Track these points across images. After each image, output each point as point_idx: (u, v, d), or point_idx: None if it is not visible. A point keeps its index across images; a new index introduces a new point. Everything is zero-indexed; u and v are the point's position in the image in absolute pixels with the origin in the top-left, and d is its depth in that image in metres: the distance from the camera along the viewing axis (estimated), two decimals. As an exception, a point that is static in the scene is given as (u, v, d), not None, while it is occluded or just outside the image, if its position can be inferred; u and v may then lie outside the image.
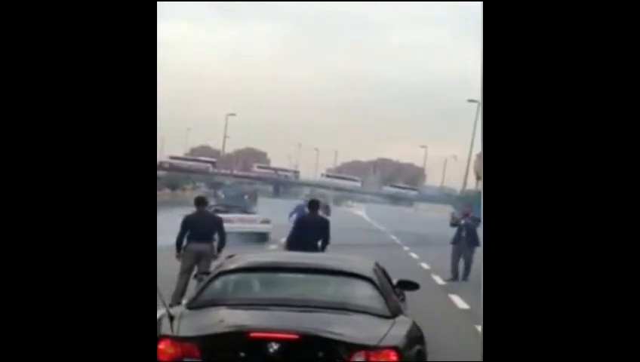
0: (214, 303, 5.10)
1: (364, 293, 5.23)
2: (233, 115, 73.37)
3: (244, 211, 24.24)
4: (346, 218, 36.70)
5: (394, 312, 5.11)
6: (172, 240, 9.70)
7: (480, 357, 3.23)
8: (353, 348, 4.43)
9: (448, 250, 15.06)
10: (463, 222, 14.58)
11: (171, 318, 4.76)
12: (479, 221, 14.46)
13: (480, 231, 14.26)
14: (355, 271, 5.55)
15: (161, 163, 58.04)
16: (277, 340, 4.41)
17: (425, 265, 16.26)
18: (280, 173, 77.60)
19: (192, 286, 5.77)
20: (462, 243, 14.42)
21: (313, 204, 11.10)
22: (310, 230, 10.52)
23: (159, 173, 61.48)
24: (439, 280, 14.22)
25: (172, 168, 63.38)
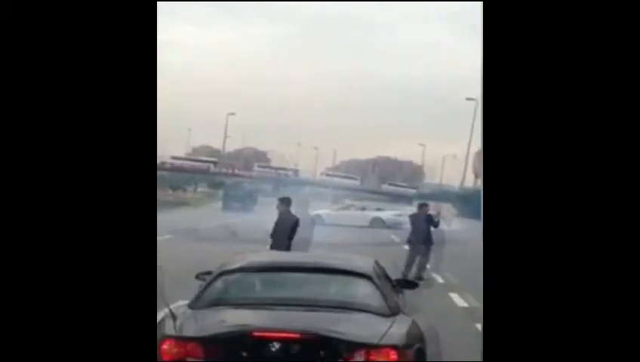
0: (217, 303, 5.12)
1: (364, 292, 5.25)
2: (233, 114, 73.66)
3: None
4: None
5: (394, 311, 5.13)
6: None
7: (480, 357, 3.23)
8: (354, 346, 4.45)
9: (447, 248, 14.96)
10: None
11: (174, 318, 4.78)
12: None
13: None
14: (355, 269, 5.57)
15: (162, 163, 57.99)
16: (278, 339, 4.43)
17: (425, 264, 16.22)
18: (280, 172, 77.47)
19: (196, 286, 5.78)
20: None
21: (284, 201, 11.29)
22: (282, 228, 10.86)
23: (161, 173, 61.30)
24: (439, 279, 14.19)
25: (174, 168, 63.24)
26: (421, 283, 6.96)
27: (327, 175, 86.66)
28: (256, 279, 5.62)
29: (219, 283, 5.41)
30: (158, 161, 55.95)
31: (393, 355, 4.46)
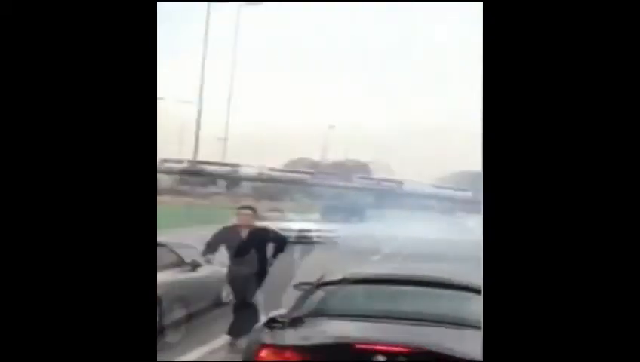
0: (317, 313, 5.01)
1: (475, 307, 4.70)
2: (333, 127, 74.52)
3: None
4: (455, 229, 36.89)
5: None
6: None
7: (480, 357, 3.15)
8: None
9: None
10: None
11: (271, 326, 4.72)
12: None
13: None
14: (466, 283, 5.32)
15: (260, 174, 59.06)
16: (383, 352, 4.21)
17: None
18: (382, 183, 75.88)
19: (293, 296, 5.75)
20: None
21: None
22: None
23: (259, 184, 62.05)
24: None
25: (270, 179, 63.81)
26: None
27: (436, 186, 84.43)
28: (359, 291, 5.45)
29: (319, 294, 5.31)
30: (256, 172, 56.88)
31: None
